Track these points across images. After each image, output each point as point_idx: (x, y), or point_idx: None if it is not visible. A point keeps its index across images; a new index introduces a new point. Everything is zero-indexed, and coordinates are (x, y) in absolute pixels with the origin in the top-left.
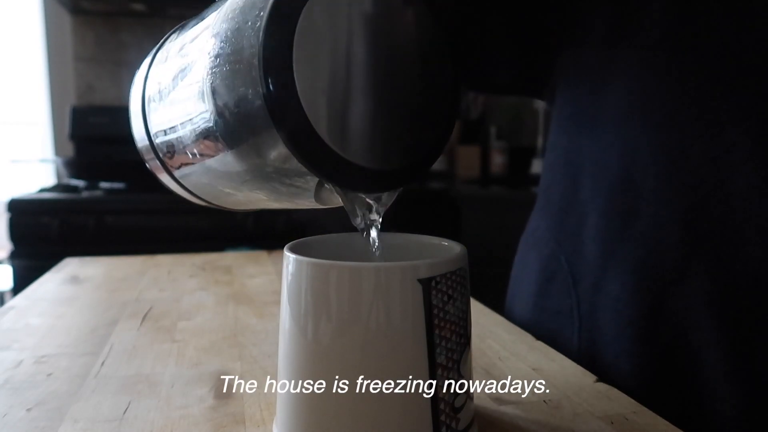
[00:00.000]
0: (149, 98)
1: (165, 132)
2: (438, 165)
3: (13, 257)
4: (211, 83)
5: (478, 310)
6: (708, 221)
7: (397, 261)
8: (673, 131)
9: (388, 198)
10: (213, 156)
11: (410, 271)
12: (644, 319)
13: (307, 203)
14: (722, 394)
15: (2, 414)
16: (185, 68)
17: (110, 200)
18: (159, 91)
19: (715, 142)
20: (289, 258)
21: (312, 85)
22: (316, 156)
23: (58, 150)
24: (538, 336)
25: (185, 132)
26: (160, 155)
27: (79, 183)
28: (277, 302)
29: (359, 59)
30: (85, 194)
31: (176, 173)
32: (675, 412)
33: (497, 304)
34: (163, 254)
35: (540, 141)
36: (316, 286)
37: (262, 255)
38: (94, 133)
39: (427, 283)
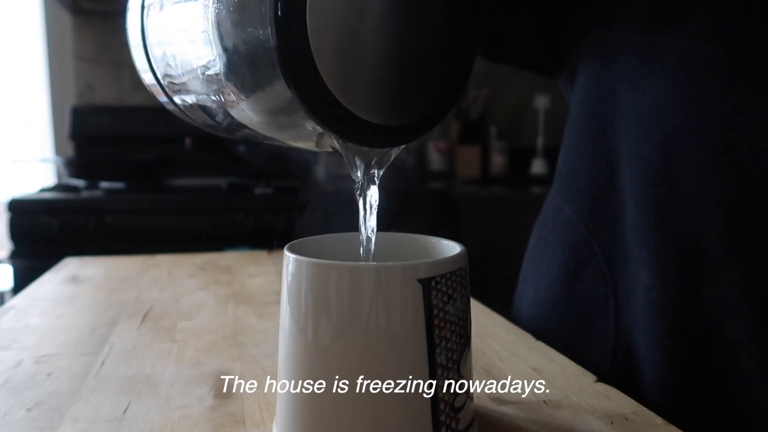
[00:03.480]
0: (148, 29)
1: (168, 69)
2: (438, 165)
3: (13, 257)
4: (216, 18)
5: (478, 310)
6: (749, 215)
7: (397, 261)
8: (717, 123)
9: (389, 154)
10: (217, 93)
11: (410, 271)
12: (678, 311)
13: (308, 145)
14: (756, 389)
15: (2, 414)
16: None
17: (110, 200)
18: (159, 23)
19: (763, 137)
20: (289, 258)
21: (324, 29)
22: (319, 104)
23: (58, 150)
24: (564, 320)
25: (189, 68)
26: (166, 90)
27: (79, 183)
28: (277, 302)
29: (378, 7)
30: (85, 194)
31: (177, 100)
32: (706, 405)
33: (497, 304)
34: (163, 254)
35: (540, 141)
36: (316, 286)
37: (262, 255)
38: (94, 133)
39: (427, 283)
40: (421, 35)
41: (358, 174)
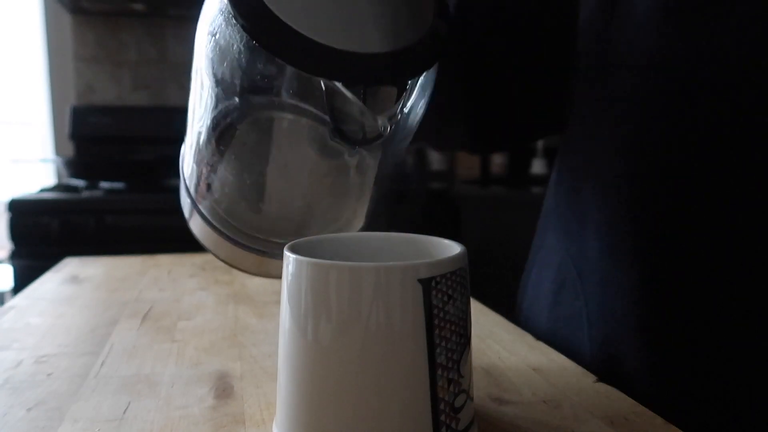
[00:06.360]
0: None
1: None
2: (438, 165)
3: (13, 257)
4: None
5: (478, 310)
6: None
7: (397, 261)
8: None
9: (394, 105)
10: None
11: (410, 271)
12: (654, 316)
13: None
14: (738, 394)
15: (2, 414)
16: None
17: (110, 200)
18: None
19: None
20: (289, 258)
21: None
22: (278, 39)
23: (58, 150)
24: (554, 344)
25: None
26: (193, 196)
27: (79, 183)
28: (277, 302)
29: None
30: (85, 194)
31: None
32: (685, 410)
33: (497, 304)
34: (163, 254)
35: (540, 141)
36: (316, 286)
37: None
38: (94, 133)
39: (427, 283)
40: None
41: (368, 126)
